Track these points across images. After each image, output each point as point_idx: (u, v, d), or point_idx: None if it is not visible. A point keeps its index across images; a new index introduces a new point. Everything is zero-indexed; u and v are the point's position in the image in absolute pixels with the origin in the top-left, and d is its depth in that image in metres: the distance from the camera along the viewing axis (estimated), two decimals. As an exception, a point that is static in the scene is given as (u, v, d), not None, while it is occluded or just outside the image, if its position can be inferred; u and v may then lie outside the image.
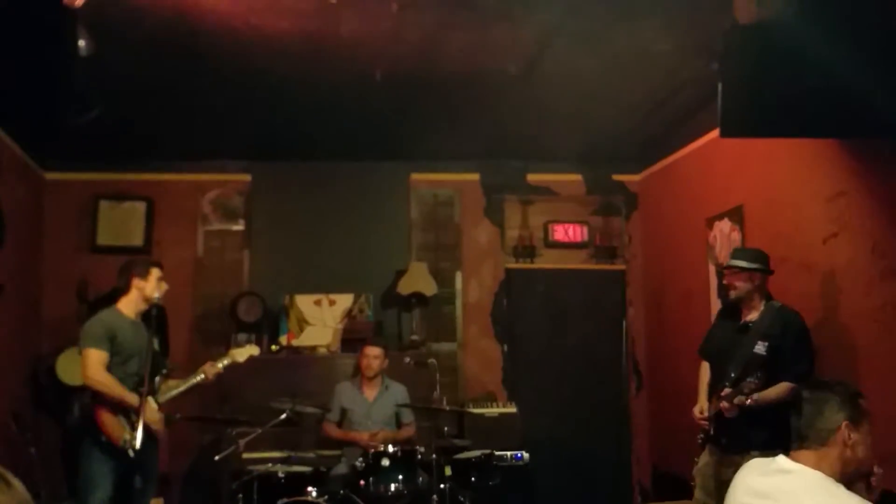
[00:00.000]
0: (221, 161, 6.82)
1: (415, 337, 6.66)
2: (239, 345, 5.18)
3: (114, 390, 4.38)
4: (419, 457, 5.08)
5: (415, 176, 7.07)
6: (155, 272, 4.61)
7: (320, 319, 6.62)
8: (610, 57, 4.74)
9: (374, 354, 5.67)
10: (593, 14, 4.15)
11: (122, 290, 4.63)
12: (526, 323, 7.10)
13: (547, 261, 7.17)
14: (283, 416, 5.15)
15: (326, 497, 4.81)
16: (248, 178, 6.92)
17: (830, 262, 4.41)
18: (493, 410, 6.39)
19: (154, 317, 4.50)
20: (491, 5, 4.13)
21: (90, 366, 4.41)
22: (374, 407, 5.69)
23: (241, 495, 4.84)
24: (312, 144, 6.46)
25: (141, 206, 6.73)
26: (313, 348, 6.51)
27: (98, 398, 4.40)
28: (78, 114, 3.52)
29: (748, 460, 3.94)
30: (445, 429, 5.83)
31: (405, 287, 6.66)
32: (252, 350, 4.97)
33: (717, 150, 5.62)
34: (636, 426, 7.13)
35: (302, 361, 6.37)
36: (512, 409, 6.43)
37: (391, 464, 4.95)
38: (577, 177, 7.25)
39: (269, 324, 6.55)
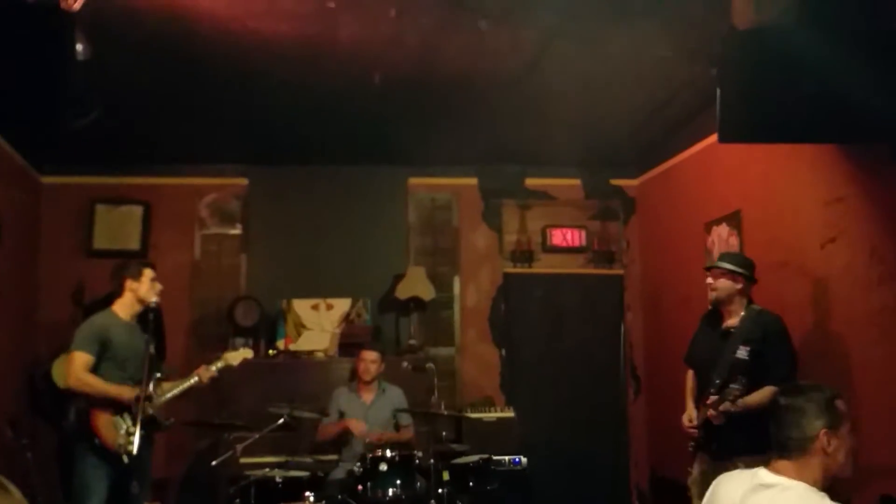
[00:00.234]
0: (219, 165, 6.81)
1: (413, 341, 6.65)
2: (235, 349, 5.17)
3: (99, 389, 4.37)
4: (417, 461, 5.07)
5: (413, 180, 7.07)
6: (147, 273, 4.60)
7: (318, 324, 6.62)
8: (608, 62, 4.75)
9: (371, 359, 5.69)
10: (591, 19, 4.16)
11: (116, 293, 4.62)
12: (524, 327, 7.10)
13: (545, 265, 7.16)
14: (281, 420, 5.13)
15: (324, 502, 4.79)
16: (245, 182, 6.91)
17: (828, 266, 4.41)
18: (491, 415, 6.38)
19: (151, 320, 4.49)
20: (489, 9, 4.13)
21: (73, 368, 4.41)
22: (371, 410, 5.71)
23: (238, 500, 4.83)
24: (310, 148, 6.46)
25: (138, 210, 6.71)
26: (311, 353, 6.49)
27: (92, 402, 4.39)
28: (75, 118, 3.52)
29: (738, 465, 3.99)
30: (443, 433, 5.83)
31: (403, 291, 6.65)
32: (246, 353, 4.96)
33: (716, 154, 5.62)
34: (634, 430, 7.12)
35: (299, 366, 6.36)
36: (510, 414, 6.42)
37: (389, 468, 4.94)
38: (576, 181, 7.25)
39: (267, 328, 6.55)
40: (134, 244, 6.62)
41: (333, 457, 5.68)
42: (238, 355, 4.87)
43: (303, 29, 4.31)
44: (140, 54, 4.51)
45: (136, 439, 4.09)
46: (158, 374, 4.67)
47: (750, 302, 4.35)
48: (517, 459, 5.96)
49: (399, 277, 6.76)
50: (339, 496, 5.02)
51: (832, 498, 2.23)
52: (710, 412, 4.10)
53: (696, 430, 4.30)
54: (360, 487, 4.91)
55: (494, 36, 4.44)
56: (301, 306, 6.61)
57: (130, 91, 4.93)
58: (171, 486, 6.33)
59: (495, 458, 5.60)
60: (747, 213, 5.31)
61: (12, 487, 1.67)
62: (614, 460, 7.05)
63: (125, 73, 4.61)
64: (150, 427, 4.44)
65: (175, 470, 6.36)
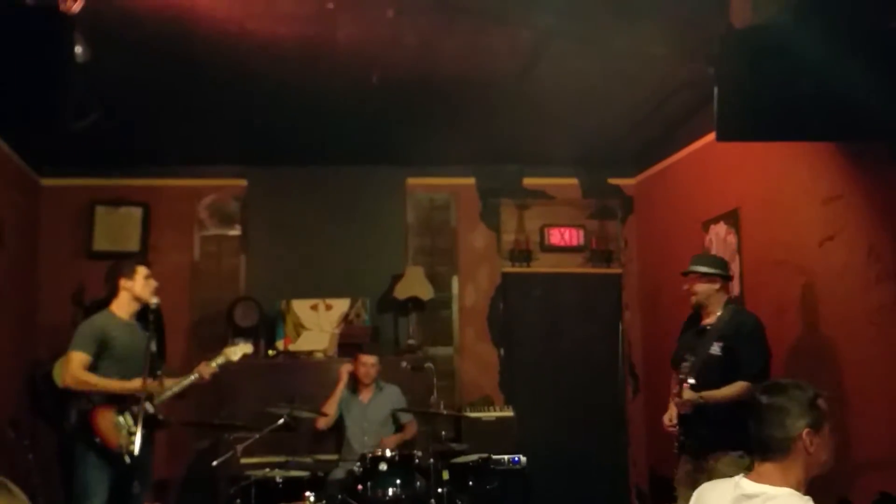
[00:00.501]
0: (218, 166, 6.81)
1: (411, 341, 6.66)
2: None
3: (100, 385, 4.38)
4: (416, 461, 5.09)
5: (411, 180, 7.08)
6: (141, 271, 4.61)
7: (317, 324, 6.62)
8: (606, 61, 4.76)
9: (371, 363, 5.78)
10: (589, 18, 4.17)
11: (112, 293, 4.64)
12: (522, 327, 7.10)
13: (543, 265, 7.17)
14: (281, 421, 5.15)
15: (324, 501, 4.80)
16: (244, 183, 6.91)
17: (826, 265, 4.42)
18: (490, 414, 6.39)
19: (151, 321, 4.50)
20: (487, 10, 4.14)
21: (70, 368, 4.43)
22: (369, 408, 5.77)
23: (238, 500, 4.84)
24: (308, 149, 6.47)
25: (137, 212, 6.72)
26: (310, 353, 6.50)
27: (95, 401, 4.39)
28: (74, 119, 3.52)
29: (722, 461, 4.05)
30: (443, 433, 5.83)
31: (402, 291, 6.66)
32: (246, 348, 4.97)
33: (713, 153, 5.63)
34: (633, 430, 7.13)
35: (299, 366, 6.37)
36: (509, 413, 6.43)
37: (389, 468, 4.96)
38: (573, 180, 7.26)
39: (266, 329, 6.55)
40: (133, 245, 6.62)
41: (333, 456, 5.70)
42: (238, 350, 4.88)
43: (301, 30, 4.32)
44: (139, 56, 4.52)
45: (138, 439, 4.10)
46: (159, 373, 4.68)
47: (729, 301, 4.46)
48: (516, 458, 5.97)
49: (398, 277, 6.76)
50: (340, 496, 5.04)
51: (830, 495, 2.23)
52: (675, 400, 4.26)
53: (675, 429, 4.38)
54: (359, 487, 4.93)
55: (492, 36, 4.45)
56: (300, 307, 6.61)
57: (129, 93, 4.94)
58: (172, 486, 6.34)
59: (494, 457, 5.61)
60: (745, 212, 5.32)
61: (15, 489, 1.68)
62: (613, 459, 7.06)
63: (124, 74, 4.62)
64: (152, 426, 4.44)
65: (176, 470, 6.36)
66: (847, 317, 4.26)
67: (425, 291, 6.69)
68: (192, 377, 4.69)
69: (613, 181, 7.32)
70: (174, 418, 5.11)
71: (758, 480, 2.25)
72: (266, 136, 6.14)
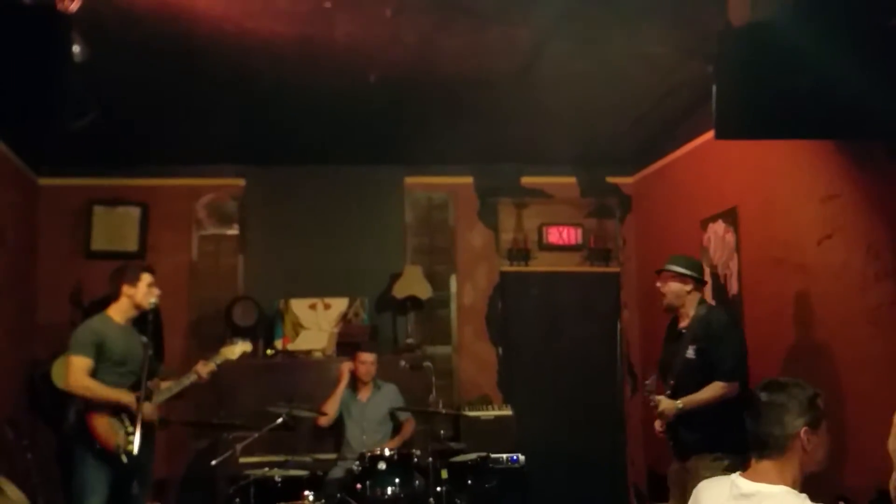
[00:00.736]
0: (216, 165, 6.80)
1: (410, 340, 6.67)
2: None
3: (99, 393, 4.37)
4: (415, 460, 5.09)
5: (409, 179, 7.07)
6: (145, 278, 4.59)
7: (315, 323, 6.62)
8: (604, 59, 4.76)
9: (370, 361, 5.80)
10: (587, 17, 4.16)
11: (113, 296, 4.62)
12: (521, 326, 7.10)
13: (541, 263, 7.17)
14: (280, 420, 5.15)
15: (323, 501, 4.81)
16: (242, 182, 6.90)
17: (825, 263, 4.42)
18: (488, 413, 6.39)
19: (150, 321, 4.49)
20: (485, 9, 4.14)
21: (72, 372, 4.41)
22: (368, 407, 5.80)
23: (238, 500, 4.85)
24: (307, 148, 6.46)
25: (135, 211, 6.71)
26: (309, 352, 6.50)
27: (91, 404, 4.39)
28: (72, 119, 3.51)
29: (700, 463, 4.09)
30: (441, 432, 5.85)
31: (400, 290, 6.66)
32: (245, 347, 4.96)
33: (712, 151, 5.63)
34: (631, 429, 7.14)
35: (297, 365, 6.37)
36: (507, 412, 6.43)
37: (387, 467, 4.97)
38: (572, 179, 7.26)
39: (265, 328, 6.55)
40: (132, 245, 6.62)
41: (332, 456, 5.71)
42: (237, 349, 4.87)
43: (299, 29, 4.31)
44: (136, 55, 4.51)
45: (137, 439, 4.09)
46: (158, 374, 4.68)
47: (700, 301, 4.49)
48: (515, 457, 5.98)
49: (396, 276, 6.76)
50: (339, 495, 5.05)
51: (828, 493, 2.23)
52: (656, 413, 4.37)
53: (663, 433, 4.45)
54: (358, 486, 4.94)
55: (490, 35, 4.45)
56: (299, 306, 6.61)
57: (127, 92, 4.93)
58: (171, 485, 6.34)
59: (493, 456, 5.63)
60: (744, 210, 5.32)
61: (9, 487, 1.67)
62: (612, 458, 7.06)
63: (122, 74, 4.61)
64: (150, 426, 4.44)
65: (175, 470, 6.36)
66: (845, 315, 4.26)
67: (424, 290, 6.69)
68: (191, 378, 4.68)
69: (612, 180, 7.32)
70: (173, 418, 5.11)
71: (754, 479, 2.26)
72: (264, 135, 6.13)
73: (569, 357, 7.05)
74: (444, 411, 5.73)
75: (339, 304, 6.67)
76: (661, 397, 4.38)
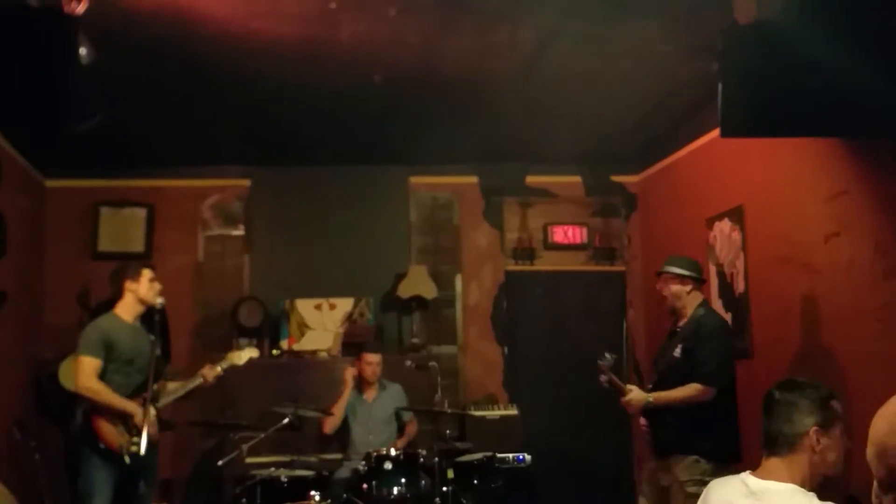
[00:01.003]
0: (221, 166, 6.81)
1: (415, 340, 6.67)
2: (240, 349, 5.19)
3: (104, 398, 4.38)
4: (421, 460, 5.09)
5: (414, 179, 7.07)
6: (146, 273, 4.62)
7: (321, 324, 6.63)
8: (609, 57, 4.75)
9: (376, 361, 5.80)
10: (592, 15, 4.16)
11: (117, 295, 4.64)
12: (526, 325, 7.10)
13: (546, 263, 7.17)
14: (286, 420, 5.16)
15: (329, 501, 4.81)
16: (247, 183, 6.91)
17: (832, 261, 4.41)
18: (494, 413, 6.39)
19: (157, 322, 4.51)
20: (489, 8, 4.14)
21: (81, 373, 4.42)
22: (374, 407, 5.80)
23: (244, 500, 4.85)
24: (312, 148, 6.47)
25: (141, 213, 6.72)
26: (314, 352, 6.50)
27: (96, 407, 4.40)
28: (78, 121, 3.52)
29: (678, 466, 4.11)
30: (447, 431, 5.85)
31: (405, 290, 6.66)
32: (251, 352, 4.98)
33: (717, 150, 5.62)
34: (637, 428, 7.11)
35: (303, 366, 6.38)
36: (513, 412, 6.43)
37: (393, 467, 4.97)
38: (577, 178, 7.25)
39: (270, 328, 6.55)
40: (138, 246, 6.63)
41: (338, 456, 5.71)
42: (243, 354, 4.88)
43: (304, 30, 4.32)
44: (142, 57, 4.52)
45: (144, 440, 4.10)
46: (165, 375, 4.69)
47: (702, 303, 4.50)
48: (521, 457, 5.97)
49: (401, 276, 6.76)
50: (345, 495, 5.04)
51: (837, 492, 2.23)
52: (622, 400, 4.48)
53: (646, 428, 4.51)
54: (365, 486, 4.94)
55: (494, 35, 4.45)
56: (304, 306, 6.62)
57: (133, 94, 4.94)
58: (178, 486, 6.35)
59: (499, 455, 5.62)
60: (750, 209, 5.31)
61: None
62: (618, 457, 7.05)
63: (128, 75, 4.62)
64: (156, 428, 4.45)
65: (181, 470, 6.37)
66: (853, 313, 4.25)
67: (429, 290, 6.69)
68: (196, 381, 4.69)
69: (617, 178, 7.31)
70: (179, 418, 5.12)
71: (763, 476, 2.26)
72: (269, 136, 6.15)
73: (574, 356, 7.03)
74: (449, 411, 5.72)
75: (345, 305, 6.67)
76: (633, 386, 4.48)
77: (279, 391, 5.72)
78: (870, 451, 1.55)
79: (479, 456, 5.42)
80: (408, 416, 5.87)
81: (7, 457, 5.44)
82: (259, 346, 5.96)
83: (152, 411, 4.39)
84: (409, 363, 6.07)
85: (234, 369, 4.87)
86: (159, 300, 4.57)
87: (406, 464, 5.02)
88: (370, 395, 5.82)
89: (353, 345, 6.35)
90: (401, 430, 5.88)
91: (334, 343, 6.56)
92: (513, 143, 6.53)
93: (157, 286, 4.62)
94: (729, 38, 3.25)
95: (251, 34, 4.34)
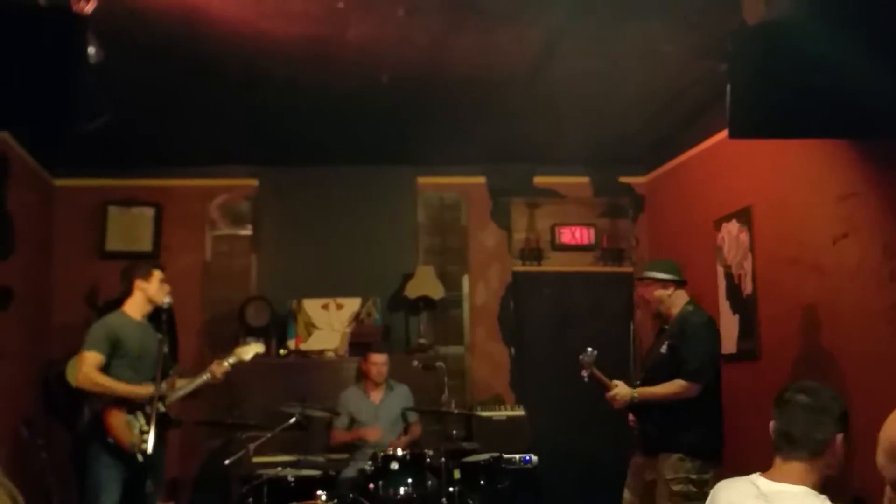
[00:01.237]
0: (229, 166, 6.82)
1: (422, 340, 6.66)
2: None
3: (110, 388, 4.39)
4: (428, 460, 5.09)
5: (421, 180, 7.07)
6: (157, 274, 4.64)
7: (328, 323, 6.63)
8: (617, 58, 4.74)
9: (382, 361, 5.79)
10: (600, 15, 4.16)
11: (127, 293, 4.66)
12: (533, 326, 7.09)
13: (554, 263, 7.16)
14: (293, 420, 5.16)
15: (336, 501, 4.81)
16: (255, 182, 6.92)
17: (840, 263, 4.40)
18: (501, 413, 6.38)
19: (164, 321, 4.52)
20: (497, 8, 4.13)
21: (83, 368, 4.45)
22: (381, 409, 5.79)
23: (251, 499, 4.86)
24: (319, 149, 6.47)
25: (149, 212, 6.74)
26: (321, 352, 6.51)
27: (107, 402, 4.41)
28: (87, 120, 3.53)
29: (665, 463, 4.11)
30: (454, 432, 5.84)
31: (412, 291, 6.66)
32: (258, 348, 4.99)
33: (726, 150, 5.60)
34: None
35: (310, 365, 6.39)
36: (520, 412, 6.42)
37: (400, 467, 4.96)
38: (584, 179, 7.24)
39: (277, 328, 6.56)
40: (146, 246, 6.65)
41: (345, 456, 5.71)
42: (250, 350, 4.89)
43: (312, 30, 4.33)
44: (151, 56, 4.53)
45: (151, 438, 4.11)
46: (171, 373, 4.70)
47: (689, 301, 4.50)
48: (528, 458, 5.97)
49: (408, 277, 6.77)
50: (351, 495, 5.04)
51: (845, 493, 2.22)
52: (606, 395, 4.47)
53: (634, 424, 4.55)
54: (371, 486, 4.93)
55: (502, 35, 4.44)
56: (311, 306, 6.62)
57: (141, 93, 4.95)
58: (184, 485, 6.36)
59: (506, 456, 5.61)
60: (758, 210, 5.29)
61: None
62: (625, 458, 7.01)
63: (136, 75, 4.63)
64: (164, 425, 4.46)
65: (188, 469, 6.38)
66: (861, 315, 4.23)
67: (436, 290, 6.69)
68: (204, 377, 4.70)
69: (624, 179, 7.29)
70: (186, 417, 5.12)
71: (776, 478, 2.25)
72: (277, 136, 6.15)
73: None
74: (456, 411, 5.72)
75: (352, 305, 6.68)
76: (619, 382, 4.47)
77: (286, 391, 5.73)
78: (881, 454, 1.54)
79: (485, 456, 5.42)
80: (413, 417, 5.87)
81: (15, 455, 5.45)
82: (266, 346, 5.98)
83: (161, 408, 4.40)
84: (415, 363, 6.06)
85: (241, 369, 4.88)
86: (166, 299, 4.59)
87: (413, 464, 5.02)
88: (377, 396, 5.82)
89: (360, 345, 6.35)
90: (405, 430, 5.87)
91: (341, 343, 6.56)
92: (520, 143, 6.53)
93: (167, 287, 4.65)
94: (738, 38, 3.24)
95: (259, 34, 4.34)
